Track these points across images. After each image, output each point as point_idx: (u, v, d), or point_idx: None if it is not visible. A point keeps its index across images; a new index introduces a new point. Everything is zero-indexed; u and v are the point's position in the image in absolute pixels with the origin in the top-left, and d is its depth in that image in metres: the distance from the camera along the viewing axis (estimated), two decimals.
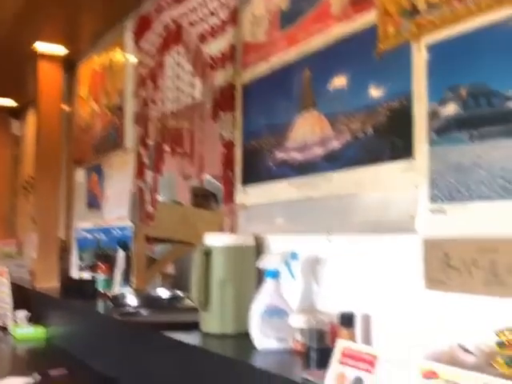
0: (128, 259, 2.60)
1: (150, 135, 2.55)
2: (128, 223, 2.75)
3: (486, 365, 0.91)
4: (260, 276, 1.64)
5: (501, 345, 0.83)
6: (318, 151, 1.59)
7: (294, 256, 1.55)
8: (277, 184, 1.76)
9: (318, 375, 1.16)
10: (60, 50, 3.50)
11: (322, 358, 1.21)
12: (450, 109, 1.23)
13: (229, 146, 2.00)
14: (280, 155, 1.75)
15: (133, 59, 2.84)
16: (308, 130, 1.64)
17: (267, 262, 1.55)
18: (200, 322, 1.72)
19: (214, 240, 1.71)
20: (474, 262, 1.16)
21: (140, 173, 2.62)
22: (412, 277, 1.30)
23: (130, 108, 2.85)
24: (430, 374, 0.87)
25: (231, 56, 1.99)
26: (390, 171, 1.37)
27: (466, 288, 1.18)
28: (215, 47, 2.07)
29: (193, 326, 1.72)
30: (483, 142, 1.16)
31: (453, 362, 1.04)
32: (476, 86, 1.19)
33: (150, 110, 2.56)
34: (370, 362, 1.00)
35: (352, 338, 1.33)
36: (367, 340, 1.41)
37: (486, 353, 0.97)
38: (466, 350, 1.07)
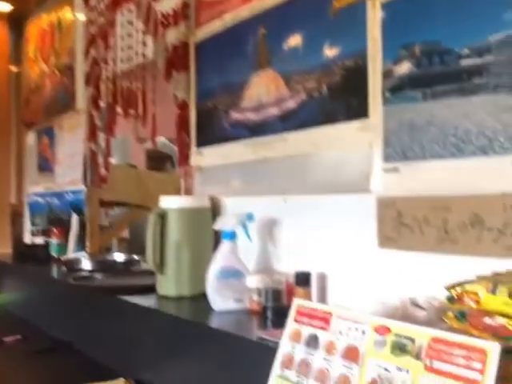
0: (82, 223, 2.56)
1: (102, 96, 2.48)
2: (81, 187, 2.69)
3: (436, 319, 0.93)
4: (216, 238, 1.63)
5: (451, 300, 0.84)
6: (274, 111, 1.57)
7: (250, 217, 1.54)
8: (232, 145, 1.74)
9: (274, 334, 1.17)
10: (5, 7, 3.35)
11: (279, 317, 1.22)
12: (404, 67, 1.23)
13: (183, 106, 1.96)
14: (235, 115, 1.72)
15: (82, 17, 2.74)
16: (263, 90, 1.62)
17: (223, 224, 1.54)
18: (156, 285, 1.71)
19: (169, 202, 1.69)
20: (426, 220, 1.18)
21: (92, 135, 2.55)
22: (366, 235, 1.31)
23: (81, 68, 2.76)
24: (383, 330, 0.89)
25: (184, 13, 1.94)
26: (345, 131, 1.37)
27: (418, 246, 1.19)
28: (167, 4, 2.01)
29: (149, 290, 1.71)
30: (436, 100, 1.16)
31: (405, 317, 1.07)
32: (430, 44, 1.18)
33: (102, 70, 2.48)
34: (324, 320, 1.01)
35: (308, 296, 1.34)
36: (323, 298, 1.43)
37: (437, 308, 0.99)
38: (418, 306, 1.09)
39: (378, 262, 1.29)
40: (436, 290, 1.00)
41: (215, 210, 1.76)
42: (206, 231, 1.68)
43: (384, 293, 1.24)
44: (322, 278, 1.45)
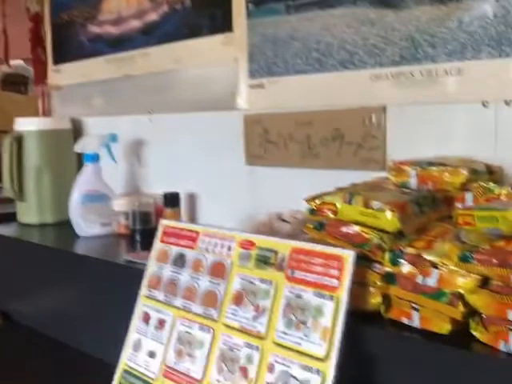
0: None
1: None
2: None
3: (299, 232, 0.95)
4: (80, 161, 1.55)
5: (312, 212, 0.86)
6: (135, 24, 1.48)
7: (113, 138, 1.47)
8: (92, 61, 1.63)
9: (142, 256, 1.15)
10: None
11: (147, 239, 1.19)
12: None
13: (36, 19, 1.80)
14: (93, 29, 1.60)
15: None
16: (123, 1, 1.51)
17: (85, 146, 1.46)
18: (17, 212, 1.61)
19: (26, 124, 1.57)
20: (290, 136, 1.18)
21: None
22: (234, 154, 1.30)
23: None
24: (247, 244, 0.90)
25: None
26: (209, 45, 1.32)
27: (283, 162, 1.21)
28: None
29: (9, 218, 1.61)
30: (299, 13, 1.14)
31: (270, 231, 1.09)
32: None
33: None
34: (191, 239, 1.00)
35: (177, 217, 1.32)
36: (193, 218, 1.42)
37: (300, 221, 1.01)
38: (283, 220, 1.11)
39: (246, 180, 1.30)
40: (300, 204, 1.02)
41: (77, 132, 1.66)
42: (67, 154, 1.59)
43: (253, 209, 1.25)
44: (192, 199, 1.43)
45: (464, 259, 0.65)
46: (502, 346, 0.64)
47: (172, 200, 1.34)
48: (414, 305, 0.72)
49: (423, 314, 0.71)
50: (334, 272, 0.76)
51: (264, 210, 1.18)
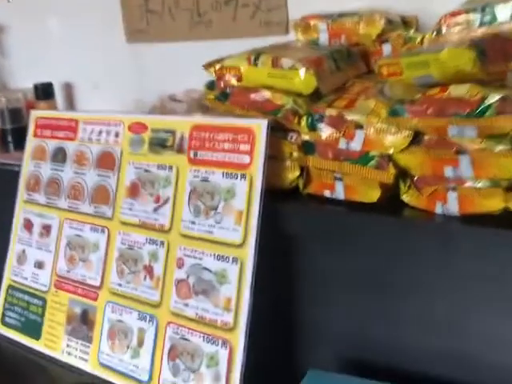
0: None
1: None
2: None
3: (196, 109, 0.83)
4: None
5: (210, 85, 0.74)
6: None
7: None
8: None
9: (15, 157, 0.99)
10: None
11: (19, 138, 1.03)
12: None
13: None
14: None
15: None
16: None
17: None
18: None
19: None
20: (176, 3, 1.02)
21: None
22: (112, 32, 1.12)
23: None
24: (138, 127, 0.76)
25: None
26: None
27: (169, 34, 1.05)
28: None
29: None
30: None
31: (164, 114, 0.95)
32: None
33: None
34: (70, 129, 0.85)
35: (52, 109, 1.15)
36: (71, 107, 1.25)
37: (196, 98, 0.89)
38: (176, 100, 0.98)
39: (129, 60, 1.13)
40: (194, 82, 0.88)
41: None
42: None
43: (140, 93, 1.10)
44: (68, 88, 1.25)
45: (394, 113, 0.56)
46: (438, 209, 0.57)
47: (44, 92, 1.16)
48: (336, 174, 0.63)
49: (348, 182, 0.62)
50: (245, 147, 0.65)
51: (153, 93, 1.03)
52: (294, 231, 0.66)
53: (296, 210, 0.67)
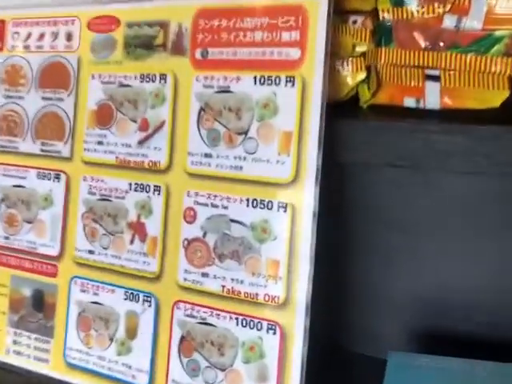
0: None
1: None
2: None
3: None
4: None
5: None
6: None
7: None
8: None
9: None
10: None
11: None
12: None
13: None
14: None
15: None
16: None
17: None
18: None
19: None
20: None
21: None
22: None
23: None
24: (105, 24, 0.52)
25: None
26: None
27: None
28: None
29: None
30: None
31: None
32: None
33: None
34: None
35: None
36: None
37: None
38: None
39: None
40: None
41: None
42: None
43: None
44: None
45: None
46: None
47: None
48: (429, 71, 0.43)
49: (448, 83, 0.42)
50: (291, 36, 0.43)
51: None
52: (356, 159, 0.46)
53: (361, 130, 0.46)
